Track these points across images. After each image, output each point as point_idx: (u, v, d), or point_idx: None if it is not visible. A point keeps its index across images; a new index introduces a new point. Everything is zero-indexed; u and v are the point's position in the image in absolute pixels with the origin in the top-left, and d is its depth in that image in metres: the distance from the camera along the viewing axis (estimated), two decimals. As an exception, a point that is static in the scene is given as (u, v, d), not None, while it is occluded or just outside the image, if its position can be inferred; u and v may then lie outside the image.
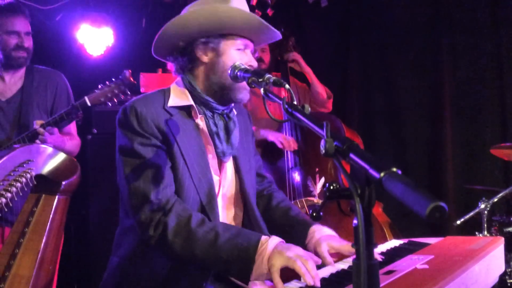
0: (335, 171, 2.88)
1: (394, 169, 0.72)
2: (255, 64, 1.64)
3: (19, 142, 2.27)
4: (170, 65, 1.74)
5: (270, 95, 1.28)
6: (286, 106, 1.12)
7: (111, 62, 4.05)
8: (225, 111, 1.67)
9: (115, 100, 2.36)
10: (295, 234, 1.66)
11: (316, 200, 2.72)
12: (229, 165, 1.71)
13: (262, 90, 1.32)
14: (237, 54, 1.61)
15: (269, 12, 3.76)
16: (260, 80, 1.41)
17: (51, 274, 1.62)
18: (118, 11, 3.97)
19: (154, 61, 4.59)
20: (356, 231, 0.74)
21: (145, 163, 1.52)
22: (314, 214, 0.86)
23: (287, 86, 1.34)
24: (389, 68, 3.99)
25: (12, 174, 1.53)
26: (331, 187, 0.78)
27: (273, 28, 1.65)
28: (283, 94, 2.82)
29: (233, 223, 1.72)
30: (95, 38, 3.85)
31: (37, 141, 2.23)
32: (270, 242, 1.41)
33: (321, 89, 3.25)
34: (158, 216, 1.48)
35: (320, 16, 4.08)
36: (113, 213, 3.52)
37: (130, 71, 2.43)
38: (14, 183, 1.53)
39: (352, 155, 0.77)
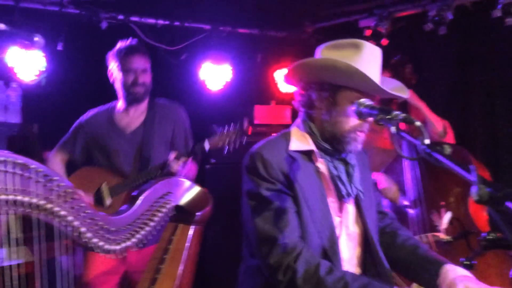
0: (462, 206, 2.72)
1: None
2: (370, 119, 1.60)
3: (146, 176, 2.49)
4: (296, 97, 1.76)
5: (403, 134, 1.27)
6: (424, 147, 1.11)
7: (228, 96, 4.29)
8: (342, 156, 1.69)
9: (230, 148, 2.48)
10: (425, 273, 1.60)
11: (442, 235, 2.58)
12: (350, 205, 1.72)
13: (393, 128, 1.32)
14: (351, 106, 1.59)
15: (384, 42, 3.73)
16: (388, 117, 1.38)
17: (185, 299, 1.73)
18: (236, 48, 4.21)
19: (268, 94, 4.79)
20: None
21: (271, 207, 1.58)
22: (467, 263, 0.83)
23: (418, 123, 1.31)
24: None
25: (154, 204, 1.68)
26: (490, 237, 0.76)
27: (397, 94, 1.62)
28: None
29: (355, 264, 1.71)
30: (215, 75, 4.12)
31: (171, 170, 2.43)
32: None
33: (436, 123, 3.06)
34: (287, 261, 1.51)
35: (438, 45, 3.94)
36: (228, 240, 3.68)
37: (248, 120, 2.55)
38: (156, 213, 1.67)
39: (508, 204, 0.74)
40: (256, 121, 4.47)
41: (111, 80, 2.75)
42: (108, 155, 2.63)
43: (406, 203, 2.85)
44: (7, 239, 1.42)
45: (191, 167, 2.69)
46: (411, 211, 2.82)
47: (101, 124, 2.70)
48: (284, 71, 4.42)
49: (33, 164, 1.34)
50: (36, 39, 2.18)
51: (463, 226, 2.66)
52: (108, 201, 2.53)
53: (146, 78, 2.69)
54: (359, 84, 1.57)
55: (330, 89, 1.62)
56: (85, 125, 2.72)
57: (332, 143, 1.65)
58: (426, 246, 1.74)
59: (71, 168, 2.74)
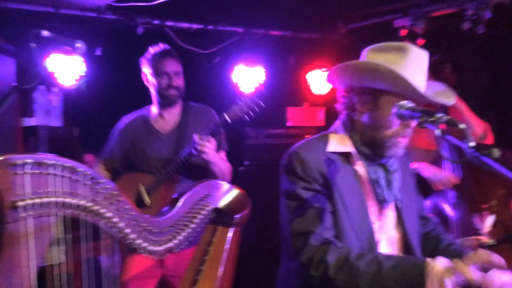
0: (505, 209, 2.65)
1: None
2: (413, 123, 1.59)
3: (175, 167, 2.53)
4: (339, 99, 1.75)
5: (448, 137, 1.25)
6: (472, 151, 1.09)
7: (262, 98, 4.29)
8: (382, 161, 1.67)
9: (250, 115, 2.51)
10: None
11: (485, 239, 2.52)
12: (390, 211, 1.70)
13: (438, 131, 1.30)
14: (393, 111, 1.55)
15: (420, 42, 3.67)
16: (431, 119, 1.37)
17: (225, 301, 1.75)
18: (268, 50, 4.22)
19: (301, 95, 4.78)
20: None
21: (307, 206, 1.58)
22: None
23: (462, 125, 1.29)
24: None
25: (194, 207, 1.70)
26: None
27: (442, 101, 1.59)
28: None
29: None
30: (248, 77, 4.15)
31: (199, 152, 2.46)
32: (439, 262, 1.36)
33: (477, 125, 2.98)
34: (318, 256, 1.51)
35: (476, 44, 3.85)
36: (262, 243, 3.69)
37: (258, 89, 2.52)
38: (196, 215, 1.70)
39: None
40: (288, 123, 4.47)
41: (145, 84, 2.81)
42: (146, 158, 2.69)
43: (446, 206, 2.80)
44: (55, 240, 1.46)
45: (223, 161, 2.71)
46: (451, 214, 2.76)
47: (138, 129, 2.76)
48: (317, 72, 4.46)
49: (81, 167, 1.38)
50: (77, 45, 2.24)
51: (506, 229, 2.60)
52: (147, 200, 2.57)
53: (179, 81, 2.74)
54: (401, 89, 1.54)
55: (372, 93, 1.60)
56: (123, 132, 2.79)
57: (372, 148, 1.64)
58: (469, 250, 1.71)
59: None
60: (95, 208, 1.40)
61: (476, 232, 2.59)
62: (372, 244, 1.60)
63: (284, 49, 4.41)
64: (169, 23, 3.86)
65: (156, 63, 2.72)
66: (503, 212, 2.66)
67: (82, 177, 1.38)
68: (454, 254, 1.70)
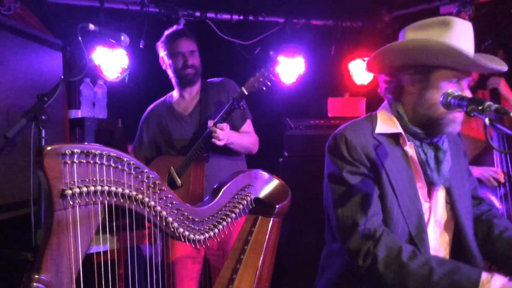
0: None
1: None
2: (468, 95, 1.53)
3: (199, 147, 2.55)
4: (381, 84, 1.72)
5: (499, 126, 1.20)
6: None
7: (302, 88, 4.27)
8: (434, 140, 1.62)
9: (265, 86, 2.49)
10: None
11: None
12: (441, 192, 1.65)
13: (487, 120, 1.25)
14: (448, 86, 1.53)
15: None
16: (480, 108, 1.32)
17: (265, 290, 1.76)
18: (309, 40, 4.18)
19: (342, 86, 4.71)
20: None
21: (353, 191, 1.55)
22: None
23: (512, 114, 1.24)
24: None
25: (236, 197, 1.71)
26: None
27: (495, 66, 1.52)
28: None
29: (444, 251, 1.65)
30: (288, 68, 4.12)
31: (213, 140, 2.46)
32: (494, 282, 1.31)
33: None
34: (366, 247, 1.49)
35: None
36: (302, 233, 3.69)
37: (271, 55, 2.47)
38: (237, 205, 1.71)
39: None
40: (330, 114, 4.42)
41: (163, 68, 2.84)
42: (173, 141, 2.73)
43: (493, 198, 2.70)
44: (102, 227, 1.51)
45: (243, 137, 2.70)
46: (499, 207, 2.66)
47: (162, 114, 2.81)
48: (359, 62, 4.38)
49: (126, 157, 1.42)
50: (122, 38, 2.29)
51: None
52: (178, 181, 2.62)
53: (195, 60, 2.76)
54: (453, 61, 1.49)
55: (422, 71, 1.55)
56: (148, 119, 2.86)
57: (428, 127, 1.58)
58: None
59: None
60: (140, 197, 1.44)
61: None
62: (421, 227, 1.56)
63: (325, 39, 4.35)
64: (210, 15, 3.88)
65: (170, 45, 2.76)
66: None
67: (126, 167, 1.42)
68: (508, 241, 1.64)
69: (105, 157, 1.37)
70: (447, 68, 1.52)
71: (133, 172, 1.43)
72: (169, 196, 1.51)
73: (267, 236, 1.76)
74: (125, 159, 1.41)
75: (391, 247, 1.48)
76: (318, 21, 4.23)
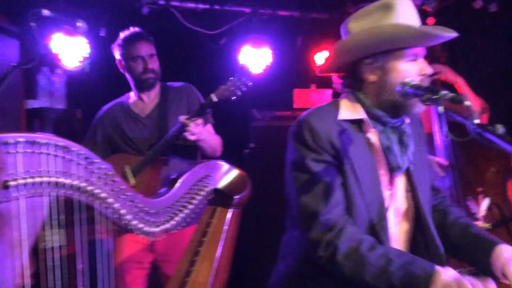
0: (500, 192, 2.59)
1: None
2: (429, 71, 1.54)
3: (164, 145, 2.49)
4: (336, 81, 1.73)
5: (452, 114, 1.20)
6: (474, 127, 1.04)
7: (269, 79, 4.25)
8: (398, 123, 1.61)
9: (238, 94, 2.44)
10: (478, 252, 1.54)
11: (481, 223, 2.46)
12: (402, 179, 1.65)
13: (441, 108, 1.25)
14: (407, 66, 1.53)
15: (430, 21, 3.58)
16: (436, 97, 1.32)
17: (224, 282, 1.73)
18: (276, 31, 4.15)
19: (308, 77, 4.71)
20: None
21: (316, 179, 1.53)
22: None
23: (467, 102, 1.24)
24: None
25: (193, 188, 1.68)
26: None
27: (446, 34, 1.52)
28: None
29: (403, 239, 1.65)
30: (255, 58, 4.09)
31: (185, 134, 2.40)
32: (446, 274, 1.32)
33: (474, 102, 2.84)
34: (328, 237, 1.48)
35: (488, 22, 3.74)
36: (268, 224, 3.68)
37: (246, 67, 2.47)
38: (195, 196, 1.67)
39: None
40: (296, 105, 4.41)
41: (121, 71, 2.75)
42: (128, 141, 2.66)
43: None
44: (51, 221, 1.45)
45: (212, 136, 2.66)
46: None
47: (117, 114, 2.72)
48: (325, 54, 4.37)
49: (75, 147, 1.36)
50: (79, 24, 2.20)
51: (502, 212, 2.54)
52: (132, 181, 2.56)
53: (155, 64, 2.68)
54: (405, 39, 1.50)
55: (380, 58, 1.54)
56: (103, 118, 2.76)
57: (393, 110, 1.57)
58: (479, 226, 1.66)
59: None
60: (89, 188, 1.39)
61: (471, 216, 2.53)
62: (382, 214, 1.56)
63: (291, 30, 4.34)
64: (174, 3, 3.80)
65: (129, 48, 2.65)
66: (498, 195, 2.59)
67: (76, 157, 1.36)
68: (462, 228, 1.66)
69: (52, 146, 1.31)
70: (403, 49, 1.52)
71: (83, 163, 1.37)
72: (122, 187, 1.46)
73: (225, 228, 1.73)
74: (74, 149, 1.35)
75: (352, 238, 1.47)
76: (285, 12, 4.21)
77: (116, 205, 1.45)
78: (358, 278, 1.44)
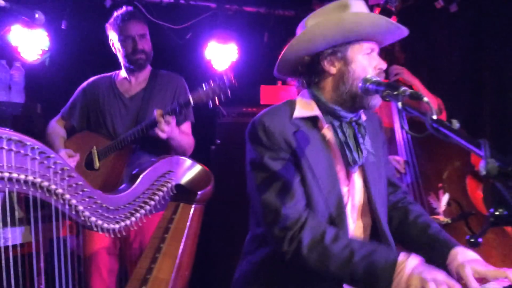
0: (459, 187, 2.66)
1: None
2: (384, 66, 1.59)
3: (135, 133, 2.44)
4: (293, 82, 1.76)
5: (410, 110, 1.22)
6: (431, 122, 1.06)
7: (235, 75, 4.21)
8: (354, 118, 1.63)
9: (216, 102, 2.42)
10: (435, 253, 1.57)
11: (441, 218, 2.53)
12: (358, 175, 1.67)
13: (399, 104, 1.27)
14: (366, 59, 1.58)
15: (393, 20, 3.64)
16: (396, 93, 1.35)
17: (186, 279, 1.71)
18: (242, 27, 4.13)
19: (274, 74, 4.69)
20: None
21: (275, 177, 1.54)
22: (472, 241, 0.79)
23: (425, 99, 1.27)
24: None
25: (155, 183, 1.65)
26: (498, 213, 0.71)
27: (401, 26, 1.58)
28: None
29: (362, 235, 1.68)
30: (221, 54, 4.05)
31: (156, 129, 2.37)
32: (409, 262, 1.35)
33: (431, 101, 2.93)
34: (291, 232, 1.49)
35: (449, 22, 3.84)
36: (234, 221, 3.67)
37: (230, 74, 2.49)
38: (157, 192, 1.64)
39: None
40: (262, 102, 4.41)
41: (114, 51, 2.71)
42: (105, 118, 2.61)
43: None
44: (7, 218, 1.39)
45: (184, 136, 2.64)
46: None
47: (102, 88, 2.68)
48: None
49: (29, 141, 1.31)
50: (36, 15, 2.13)
51: (461, 207, 2.61)
52: (96, 164, 2.51)
53: (145, 44, 2.64)
54: (361, 31, 1.54)
55: (339, 50, 1.58)
56: (86, 89, 2.71)
57: (353, 103, 1.59)
58: (438, 225, 1.70)
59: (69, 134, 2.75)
60: (45, 184, 1.34)
61: (432, 211, 2.59)
62: (340, 210, 1.58)
63: (258, 26, 4.32)
64: (138, -4, 3.73)
65: (120, 28, 2.61)
66: (457, 190, 2.66)
67: (30, 152, 1.32)
68: (421, 227, 1.69)
69: (5, 140, 1.26)
70: (361, 41, 1.57)
71: (38, 157, 1.33)
72: (80, 183, 1.42)
73: (188, 224, 1.71)
74: (28, 143, 1.30)
75: (315, 231, 1.49)
76: (251, 7, 4.19)
77: (74, 201, 1.41)
78: (323, 269, 1.46)
